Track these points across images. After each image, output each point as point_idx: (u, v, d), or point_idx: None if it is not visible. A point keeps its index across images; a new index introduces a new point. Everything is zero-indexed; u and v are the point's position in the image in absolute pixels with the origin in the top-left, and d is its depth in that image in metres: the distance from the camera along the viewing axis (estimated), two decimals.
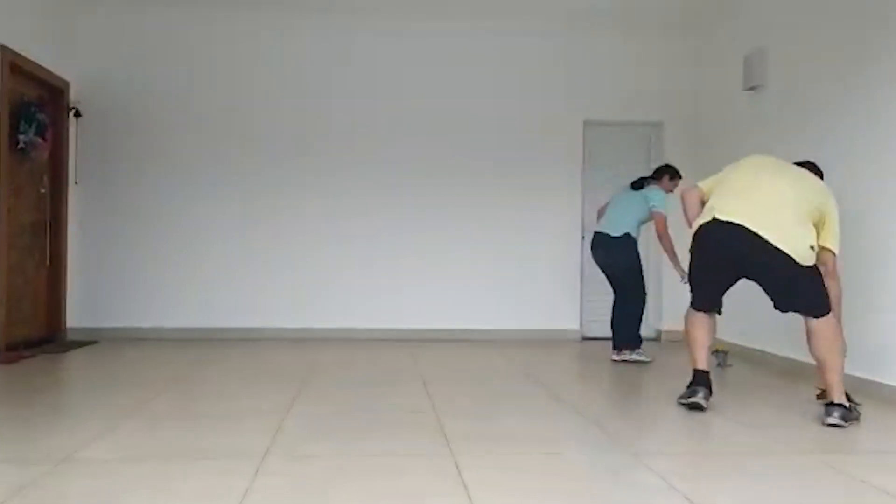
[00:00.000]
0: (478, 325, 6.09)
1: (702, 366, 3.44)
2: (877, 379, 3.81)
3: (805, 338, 3.28)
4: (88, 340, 5.56)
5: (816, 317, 3.23)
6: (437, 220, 6.13)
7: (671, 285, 6.27)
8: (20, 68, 5.04)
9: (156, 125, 5.93)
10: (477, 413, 3.32)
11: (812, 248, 3.23)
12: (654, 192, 4.98)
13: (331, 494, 2.18)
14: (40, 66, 5.30)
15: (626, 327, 5.01)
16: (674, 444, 2.87)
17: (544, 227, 6.20)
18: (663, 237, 4.90)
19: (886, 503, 2.18)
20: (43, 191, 5.52)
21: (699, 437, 3.02)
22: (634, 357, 4.94)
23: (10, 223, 4.98)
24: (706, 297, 3.51)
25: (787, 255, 3.18)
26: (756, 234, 3.20)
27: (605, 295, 6.14)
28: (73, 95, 5.76)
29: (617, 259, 4.98)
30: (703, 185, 3.62)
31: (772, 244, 3.18)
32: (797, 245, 3.20)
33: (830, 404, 3.15)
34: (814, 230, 3.27)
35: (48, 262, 5.60)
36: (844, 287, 3.52)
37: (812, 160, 3.75)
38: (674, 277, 6.21)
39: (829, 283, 3.32)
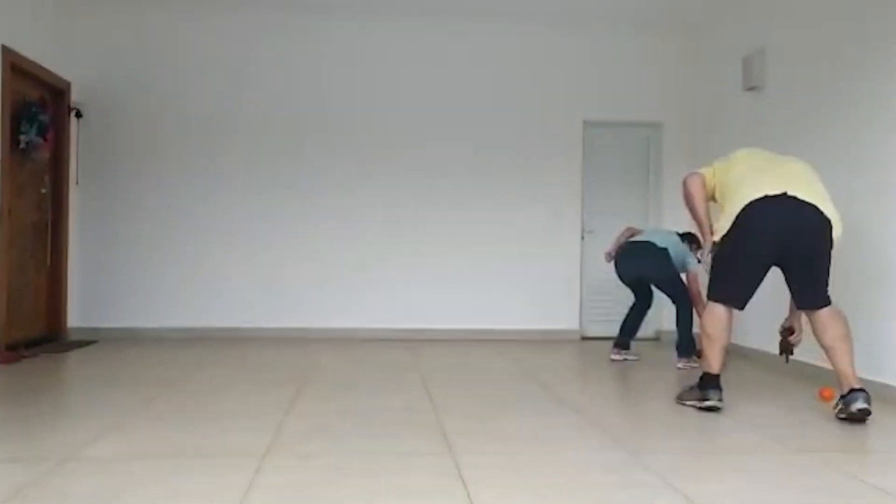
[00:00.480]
0: (478, 325, 6.10)
1: (716, 370, 3.39)
2: (879, 379, 3.81)
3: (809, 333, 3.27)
4: (89, 340, 5.57)
5: (826, 306, 3.24)
6: (437, 219, 6.14)
7: None
8: (21, 69, 5.05)
9: (157, 125, 5.94)
10: (477, 413, 3.32)
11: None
12: (692, 255, 4.99)
13: (331, 493, 2.18)
14: (41, 67, 5.31)
15: (683, 335, 4.96)
16: (673, 443, 2.87)
17: (544, 226, 6.21)
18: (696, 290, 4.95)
19: (886, 503, 2.19)
20: (44, 191, 5.53)
21: (698, 436, 3.02)
22: (692, 364, 4.84)
23: (11, 223, 4.99)
24: (739, 288, 3.35)
25: (830, 225, 3.17)
26: (811, 204, 3.17)
27: (605, 295, 6.17)
28: (75, 96, 5.77)
29: (661, 267, 4.93)
30: (706, 171, 3.57)
31: (823, 213, 3.17)
32: (834, 214, 3.21)
33: (853, 391, 3.15)
34: None
35: (49, 261, 5.60)
36: (844, 286, 3.53)
37: None
38: None
39: None
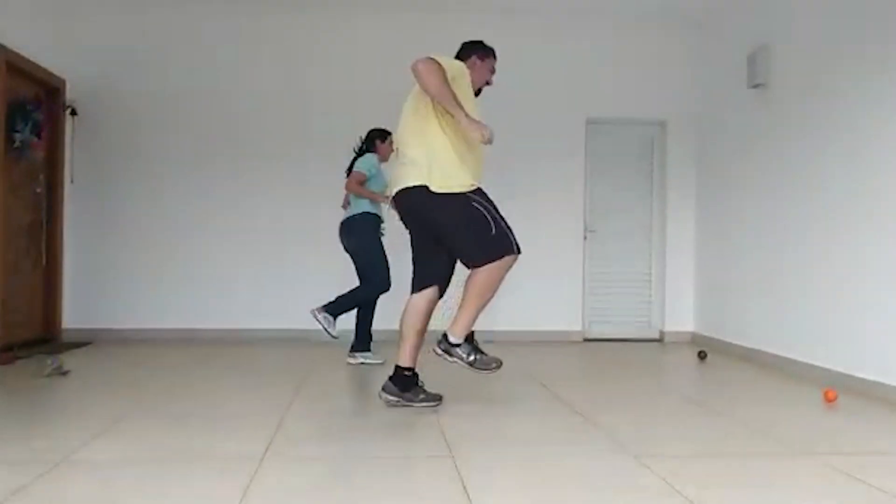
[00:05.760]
0: (478, 326, 6.02)
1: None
2: (880, 380, 3.78)
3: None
4: (84, 341, 5.52)
5: (472, 266, 3.25)
6: None
7: (671, 285, 6.25)
8: (16, 67, 5.01)
9: (152, 124, 5.90)
10: (477, 413, 3.29)
11: None
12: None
13: (330, 495, 2.15)
14: (36, 65, 5.27)
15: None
16: (674, 445, 2.84)
17: (546, 226, 6.16)
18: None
19: (886, 503, 2.15)
20: (39, 190, 5.49)
21: (700, 438, 2.98)
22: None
23: (5, 223, 4.94)
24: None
25: (415, 188, 3.20)
26: (400, 191, 3.25)
27: (606, 296, 6.14)
28: (70, 94, 5.73)
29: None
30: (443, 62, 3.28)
31: (407, 189, 3.20)
32: (415, 170, 3.19)
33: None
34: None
35: (44, 261, 5.56)
36: (845, 286, 3.50)
37: None
38: (675, 277, 6.22)
39: (435, 85, 3.09)
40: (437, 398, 3.37)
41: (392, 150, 4.73)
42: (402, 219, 3.37)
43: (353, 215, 4.77)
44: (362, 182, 4.69)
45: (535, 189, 6.15)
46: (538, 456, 2.62)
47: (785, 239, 4.76)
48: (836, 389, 3.74)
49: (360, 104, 6.07)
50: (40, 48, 5.33)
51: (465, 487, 2.21)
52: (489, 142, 3.01)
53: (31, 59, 5.19)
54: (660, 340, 6.22)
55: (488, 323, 6.02)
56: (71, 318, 5.74)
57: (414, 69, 3.03)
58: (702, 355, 5.13)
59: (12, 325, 5.04)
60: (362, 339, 4.80)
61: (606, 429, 3.01)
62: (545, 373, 4.49)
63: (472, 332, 3.31)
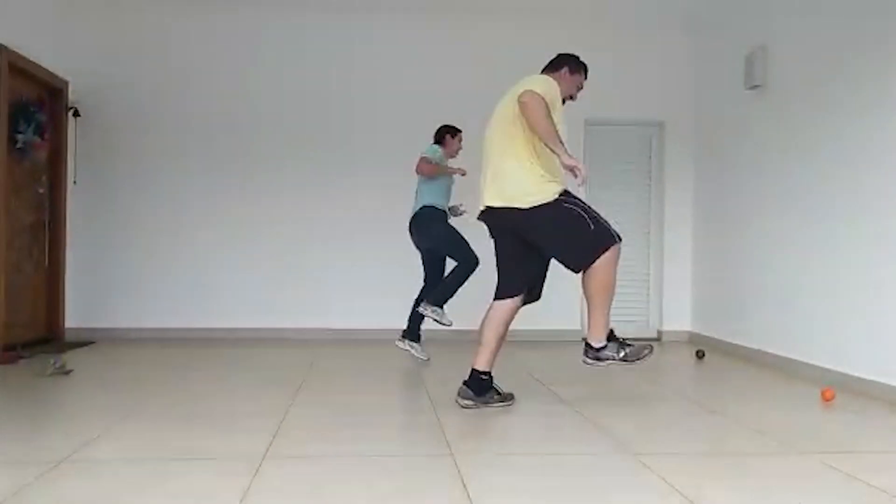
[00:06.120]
0: (478, 325, 6.05)
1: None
2: (878, 379, 3.79)
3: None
4: (86, 341, 5.54)
5: (574, 270, 3.34)
6: None
7: (669, 285, 6.27)
8: (19, 68, 5.03)
9: (154, 125, 5.92)
10: (477, 413, 3.31)
11: None
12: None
13: (330, 495, 2.16)
14: (39, 66, 5.29)
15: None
16: (674, 444, 2.85)
17: None
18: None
19: (886, 503, 2.17)
20: (41, 191, 5.51)
21: (699, 437, 3.00)
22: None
23: (8, 223, 4.96)
24: (516, 280, 3.51)
25: (514, 214, 3.26)
26: (492, 208, 3.33)
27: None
28: (72, 95, 5.75)
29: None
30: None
31: (501, 207, 3.28)
32: (508, 187, 3.28)
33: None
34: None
35: (47, 262, 5.58)
36: (843, 286, 3.51)
37: None
38: (673, 277, 6.23)
39: (536, 121, 3.20)
40: (510, 397, 3.43)
41: (460, 148, 4.94)
42: (491, 233, 3.43)
43: (417, 212, 4.79)
44: (429, 163, 4.73)
45: None
46: (538, 455, 2.64)
47: (782, 239, 4.77)
48: (833, 388, 3.76)
49: (362, 103, 6.09)
50: (43, 49, 5.34)
51: (465, 487, 2.22)
52: (584, 183, 3.10)
53: (34, 60, 5.21)
54: (658, 340, 6.24)
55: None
56: (73, 317, 5.76)
57: (522, 106, 3.11)
58: (700, 355, 5.15)
59: (15, 325, 5.06)
60: (413, 330, 4.82)
61: (606, 428, 3.03)
62: (545, 372, 4.51)
63: (612, 329, 3.32)
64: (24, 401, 3.53)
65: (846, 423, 3.24)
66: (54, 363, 4.13)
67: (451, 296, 4.69)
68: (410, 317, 4.82)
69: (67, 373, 4.13)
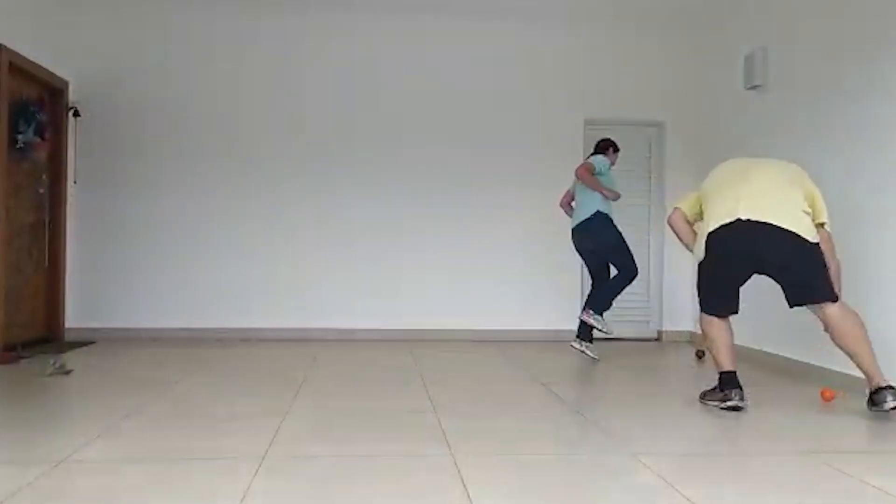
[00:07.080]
0: (478, 325, 6.07)
1: (728, 367, 3.49)
2: None
3: (813, 336, 3.29)
4: (86, 341, 5.54)
5: (831, 301, 3.27)
6: (437, 219, 6.12)
7: (669, 285, 6.27)
8: (19, 68, 5.03)
9: (155, 125, 5.92)
10: (477, 413, 3.31)
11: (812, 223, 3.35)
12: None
13: (330, 495, 2.16)
14: (39, 66, 5.29)
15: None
16: (674, 444, 2.86)
17: (545, 226, 6.17)
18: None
19: (886, 503, 2.17)
20: (42, 191, 5.51)
21: (699, 437, 3.00)
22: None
23: (8, 223, 4.97)
24: (725, 304, 3.57)
25: (796, 234, 3.26)
26: (765, 224, 3.28)
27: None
28: (72, 95, 5.75)
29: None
30: (683, 205, 3.79)
31: (781, 227, 3.26)
32: (802, 223, 3.30)
33: (880, 389, 3.17)
34: (809, 209, 3.38)
35: (47, 262, 5.58)
36: (844, 285, 3.52)
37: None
38: (674, 277, 6.23)
39: (828, 259, 3.37)
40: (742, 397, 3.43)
41: (616, 161, 5.17)
42: (726, 259, 3.47)
43: (588, 218, 4.93)
44: (591, 172, 4.85)
45: (535, 189, 6.16)
46: (538, 455, 2.64)
47: None
48: (833, 389, 3.76)
49: (363, 104, 6.09)
50: (43, 49, 5.34)
51: (465, 487, 2.22)
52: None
53: (35, 60, 5.21)
54: (658, 340, 6.24)
55: (488, 323, 6.07)
56: (73, 317, 5.77)
57: (816, 200, 3.45)
58: (700, 355, 5.15)
59: (15, 325, 5.07)
60: (585, 329, 4.96)
61: (606, 428, 3.03)
62: (544, 372, 4.51)
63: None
64: (24, 401, 3.53)
65: (847, 423, 3.24)
66: (54, 363, 4.13)
67: (610, 303, 4.93)
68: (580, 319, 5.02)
69: (67, 373, 4.13)
